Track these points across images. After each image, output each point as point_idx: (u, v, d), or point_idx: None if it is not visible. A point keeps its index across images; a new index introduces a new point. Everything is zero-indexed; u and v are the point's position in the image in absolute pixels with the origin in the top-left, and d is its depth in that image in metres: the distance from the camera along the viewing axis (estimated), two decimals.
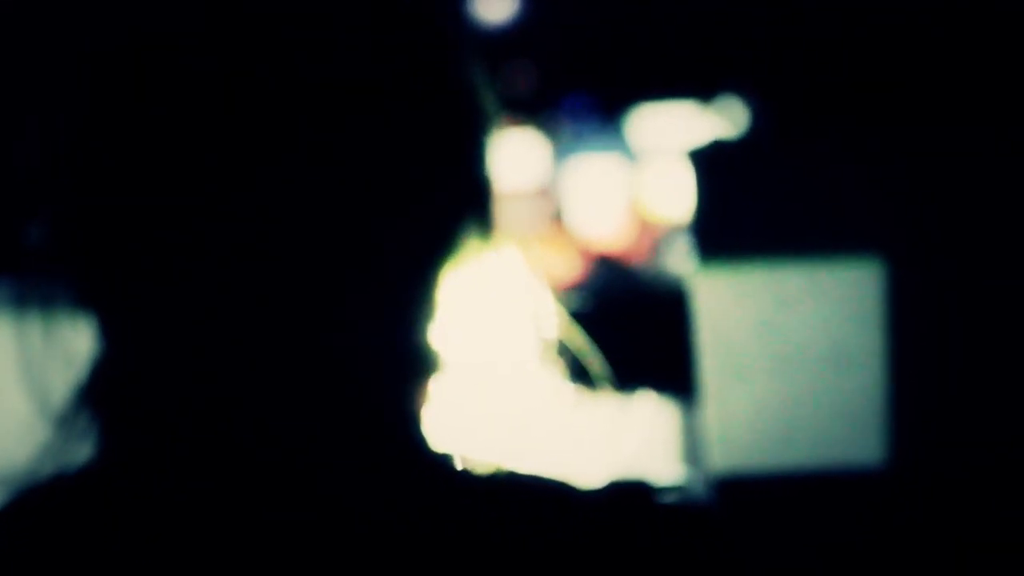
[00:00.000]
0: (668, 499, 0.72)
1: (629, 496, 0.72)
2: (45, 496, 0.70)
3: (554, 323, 0.81)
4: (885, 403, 1.06)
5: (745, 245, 1.09)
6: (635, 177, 7.98)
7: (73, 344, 0.71)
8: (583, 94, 10.13)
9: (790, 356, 1.07)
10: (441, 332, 0.72)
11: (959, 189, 1.05)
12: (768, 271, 1.08)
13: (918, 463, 1.07)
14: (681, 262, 7.04)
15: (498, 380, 0.77)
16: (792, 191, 1.09)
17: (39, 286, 0.70)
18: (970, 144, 1.05)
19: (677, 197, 7.27)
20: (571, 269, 7.20)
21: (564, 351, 0.85)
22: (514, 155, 7.62)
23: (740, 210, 1.09)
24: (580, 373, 0.92)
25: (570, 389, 0.87)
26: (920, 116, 1.01)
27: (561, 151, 8.32)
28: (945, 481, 1.07)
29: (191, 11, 0.65)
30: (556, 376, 0.85)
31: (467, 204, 0.72)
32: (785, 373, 1.07)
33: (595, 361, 0.91)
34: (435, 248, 0.70)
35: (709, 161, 1.09)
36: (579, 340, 0.85)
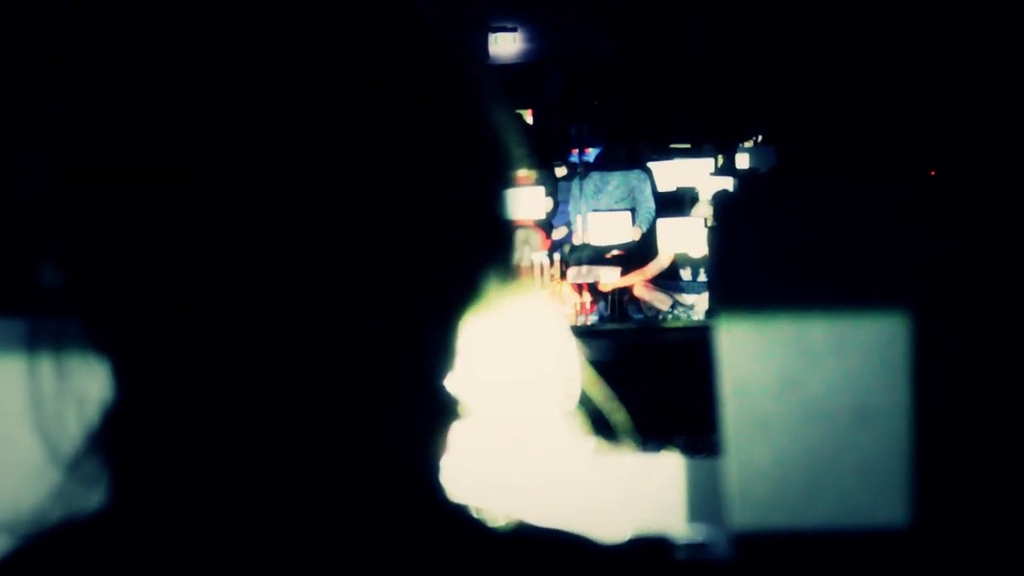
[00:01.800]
0: (688, 555, 0.71)
1: (649, 551, 0.71)
2: (53, 542, 0.69)
3: (577, 370, 0.80)
4: (911, 461, 1.04)
5: (769, 297, 1.07)
6: (645, 218, 7.98)
7: (85, 387, 0.70)
8: (594, 135, 10.16)
9: (814, 411, 1.05)
10: (463, 378, 0.71)
11: (989, 244, 1.04)
12: (792, 324, 1.06)
13: (945, 523, 1.05)
14: (696, 309, 7.03)
15: (519, 428, 0.76)
16: (817, 243, 1.07)
17: (51, 327, 0.69)
18: (1001, 198, 1.04)
19: (693, 243, 7.27)
20: (575, 305, 7.21)
21: (585, 400, 0.84)
22: (520, 192, 7.65)
23: (764, 261, 1.07)
24: (600, 423, 0.91)
25: (591, 439, 0.86)
26: (950, 167, 1.00)
27: (568, 189, 8.34)
28: (972, 543, 1.05)
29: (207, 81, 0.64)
30: (577, 425, 0.83)
31: (489, 248, 0.71)
32: (809, 429, 1.05)
33: (617, 411, 0.90)
34: (457, 293, 0.69)
35: (732, 209, 1.08)
36: (601, 389, 0.84)
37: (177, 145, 0.63)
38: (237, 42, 0.64)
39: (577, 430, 0.84)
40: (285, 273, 0.64)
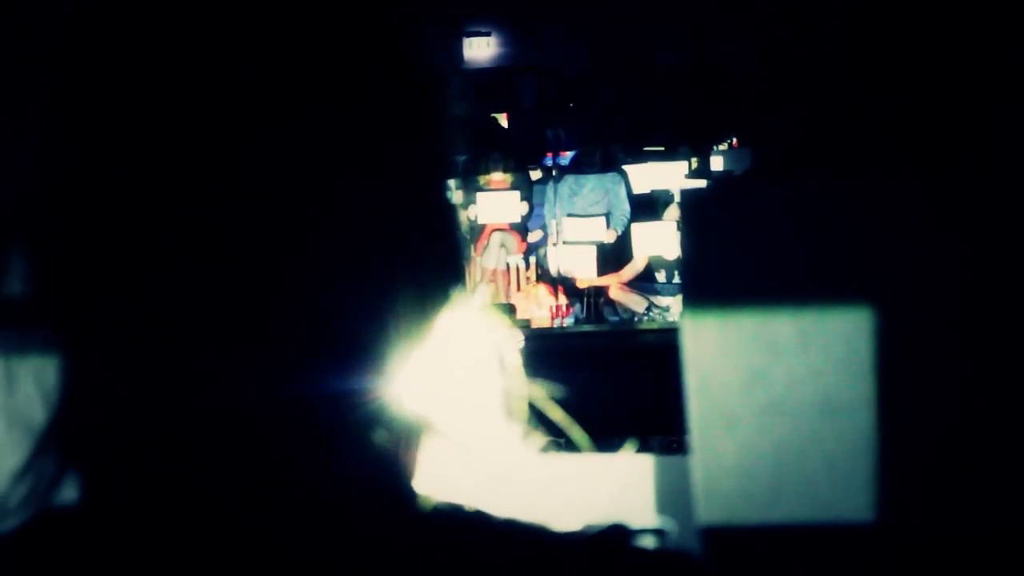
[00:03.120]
0: (647, 544, 0.72)
1: (607, 540, 0.71)
2: (18, 539, 0.69)
3: (522, 377, 0.81)
4: (876, 454, 1.05)
5: (735, 293, 1.08)
6: (620, 220, 8.00)
7: (48, 378, 0.70)
8: (567, 137, 10.18)
9: (780, 405, 1.06)
10: (419, 385, 0.71)
11: (952, 238, 1.05)
12: (758, 319, 1.07)
13: (909, 516, 1.06)
14: (671, 311, 7.05)
15: (473, 428, 0.76)
16: (783, 239, 1.08)
17: (16, 324, 0.69)
18: (963, 194, 1.05)
19: (668, 246, 7.29)
20: (551, 308, 7.22)
21: (532, 403, 0.84)
22: (495, 195, 7.66)
23: (730, 258, 1.08)
24: (552, 428, 0.92)
25: (543, 440, 0.86)
26: (912, 164, 1.01)
27: (544, 192, 8.35)
28: (936, 536, 1.06)
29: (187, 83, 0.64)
30: (526, 428, 0.84)
31: (440, 263, 0.72)
32: (775, 423, 1.06)
33: (560, 415, 0.90)
34: (409, 306, 0.70)
35: (700, 208, 1.09)
36: (542, 394, 0.84)
37: (150, 148, 0.64)
38: (203, 51, 0.64)
39: (528, 430, 0.84)
40: (252, 278, 0.64)
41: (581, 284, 7.43)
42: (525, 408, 0.82)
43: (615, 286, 7.47)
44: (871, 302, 1.06)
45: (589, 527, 0.72)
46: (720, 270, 1.07)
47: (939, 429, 1.06)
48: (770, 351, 1.06)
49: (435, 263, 0.71)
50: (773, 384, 1.06)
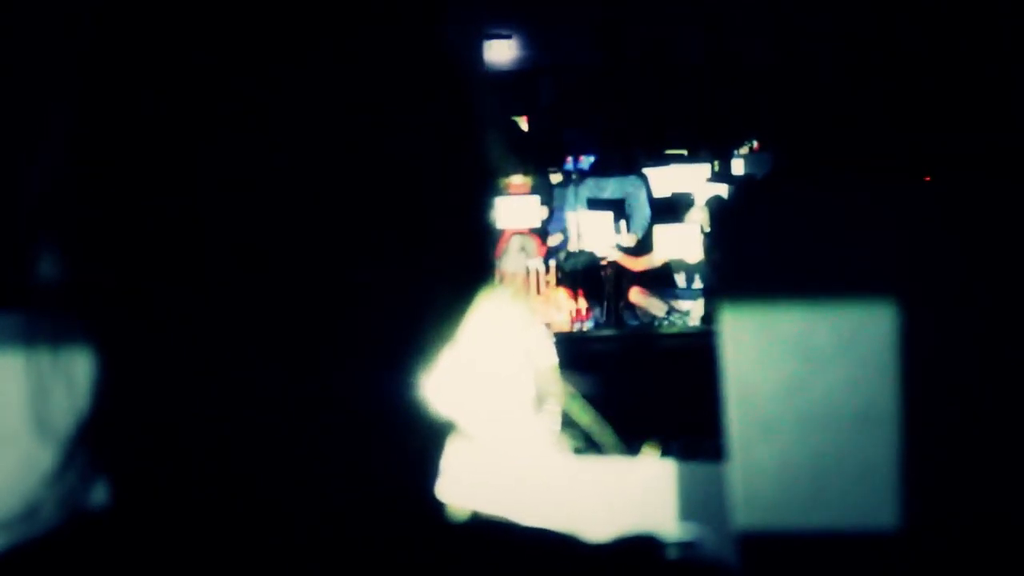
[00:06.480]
0: (679, 554, 0.71)
1: (637, 550, 0.71)
2: (52, 537, 0.69)
3: (555, 379, 0.80)
4: (914, 464, 1.05)
5: (772, 302, 1.07)
6: (640, 224, 7.99)
7: (80, 377, 0.70)
8: (588, 140, 10.17)
9: (818, 415, 1.05)
10: (446, 387, 0.70)
11: (992, 248, 1.04)
12: (796, 328, 1.06)
13: (945, 528, 1.05)
14: (691, 315, 7.04)
15: (502, 430, 0.76)
16: (820, 247, 1.07)
17: (49, 320, 0.69)
18: (1003, 202, 1.04)
19: (689, 249, 7.28)
20: (570, 311, 7.22)
21: (561, 405, 0.83)
22: (515, 199, 7.66)
23: (766, 267, 1.07)
24: (584, 434, 0.91)
25: (571, 443, 0.86)
26: (955, 170, 1.00)
27: (564, 196, 8.35)
28: (974, 546, 1.05)
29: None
30: (556, 430, 0.83)
31: (472, 263, 0.71)
32: (813, 432, 1.06)
33: (589, 418, 0.90)
34: (441, 305, 0.69)
35: (735, 215, 1.08)
36: (571, 395, 0.83)
37: (178, 142, 0.63)
38: (231, 38, 0.64)
39: (556, 437, 0.84)
40: (279, 270, 0.64)
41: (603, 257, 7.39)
42: (556, 410, 0.81)
43: (635, 290, 7.47)
44: (910, 312, 1.05)
45: (620, 537, 0.71)
46: (757, 278, 1.07)
47: (977, 441, 1.05)
48: (809, 361, 1.06)
49: (468, 263, 0.71)
50: (812, 394, 1.05)
